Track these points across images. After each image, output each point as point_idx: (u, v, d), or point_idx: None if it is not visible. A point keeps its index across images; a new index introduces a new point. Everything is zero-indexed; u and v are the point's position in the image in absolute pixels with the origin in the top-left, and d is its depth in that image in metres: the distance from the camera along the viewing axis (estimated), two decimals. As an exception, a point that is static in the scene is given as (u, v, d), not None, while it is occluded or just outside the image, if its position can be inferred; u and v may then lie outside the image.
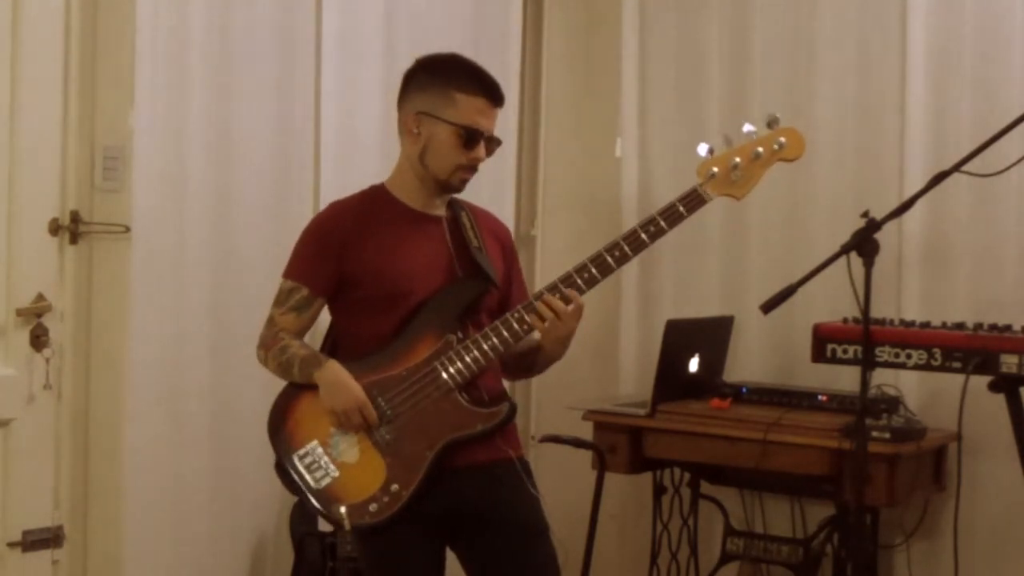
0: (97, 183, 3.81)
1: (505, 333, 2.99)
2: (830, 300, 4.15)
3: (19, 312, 3.69)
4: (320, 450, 3.05)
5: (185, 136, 3.95)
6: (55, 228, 3.75)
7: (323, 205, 4.30)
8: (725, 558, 4.48)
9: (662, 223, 2.98)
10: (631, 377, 4.82)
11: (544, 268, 4.97)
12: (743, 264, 4.66)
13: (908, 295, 4.31)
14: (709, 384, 4.44)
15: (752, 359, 4.65)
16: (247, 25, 4.10)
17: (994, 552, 4.20)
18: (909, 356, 3.83)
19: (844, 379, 4.22)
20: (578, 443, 4.37)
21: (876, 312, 3.57)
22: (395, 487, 2.99)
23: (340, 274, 3.05)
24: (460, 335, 3.02)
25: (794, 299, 3.24)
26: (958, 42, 4.28)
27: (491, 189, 4.54)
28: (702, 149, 3.02)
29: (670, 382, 4.35)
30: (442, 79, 3.04)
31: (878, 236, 3.22)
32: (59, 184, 3.76)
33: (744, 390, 4.38)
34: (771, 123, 3.03)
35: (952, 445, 4.05)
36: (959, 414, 3.61)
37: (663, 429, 4.32)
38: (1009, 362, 3.67)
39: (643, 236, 2.98)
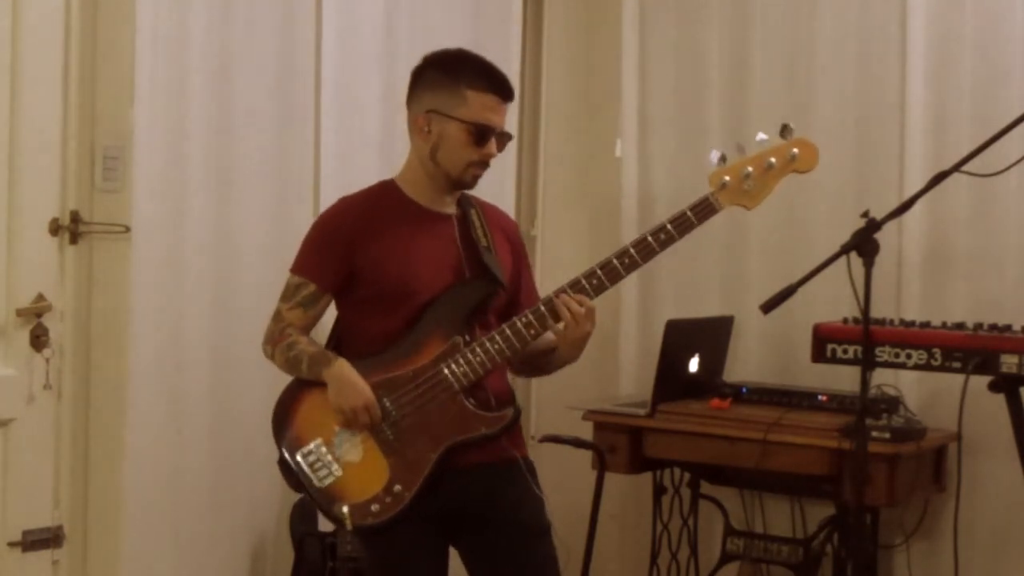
0: (97, 183, 3.81)
1: (513, 337, 2.98)
2: (830, 300, 4.15)
3: (19, 312, 3.69)
4: (324, 448, 3.04)
5: (185, 136, 3.95)
6: (55, 228, 3.75)
7: (323, 205, 4.31)
8: (725, 558, 4.48)
9: (672, 231, 2.97)
10: (631, 377, 4.82)
11: (544, 268, 4.97)
12: (743, 264, 4.66)
13: (908, 295, 4.31)
14: (709, 384, 4.44)
15: (752, 359, 4.65)
16: (247, 25, 4.10)
17: (994, 552, 4.20)
18: (909, 356, 3.83)
19: (844, 379, 4.22)
20: (578, 443, 4.37)
21: (876, 312, 3.57)
22: (398, 488, 2.98)
23: (348, 271, 3.04)
24: (467, 337, 3.01)
25: (794, 299, 3.23)
26: (958, 42, 4.29)
27: (491, 189, 4.49)
28: (714, 156, 3.02)
29: (670, 382, 4.35)
30: (451, 76, 3.02)
31: (878, 236, 3.21)
32: (59, 184, 3.76)
33: (744, 390, 4.38)
34: (784, 132, 2.99)
35: (952, 445, 4.05)
36: (959, 414, 3.60)
37: (663, 429, 4.32)
38: (1009, 362, 3.67)
39: (653, 243, 2.96)
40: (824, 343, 3.98)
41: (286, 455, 3.09)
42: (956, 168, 3.36)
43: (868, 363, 3.44)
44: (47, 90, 3.72)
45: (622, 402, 4.50)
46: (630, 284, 4.81)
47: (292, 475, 3.08)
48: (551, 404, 4.87)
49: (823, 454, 4.02)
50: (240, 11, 4.08)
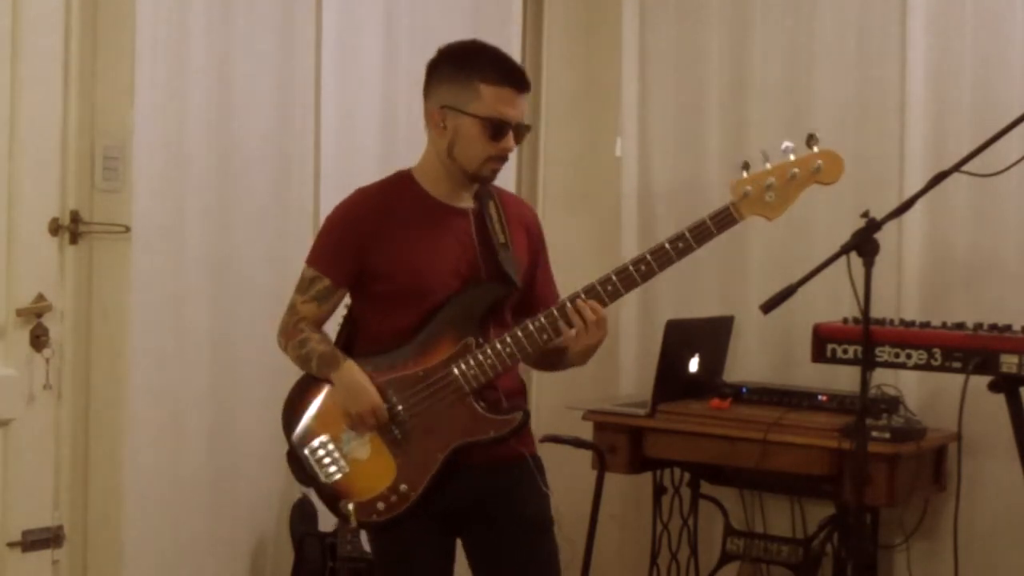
0: (97, 183, 3.81)
1: (524, 341, 2.96)
2: (830, 300, 4.15)
3: (19, 312, 3.69)
4: (332, 445, 3.04)
5: (185, 136, 3.95)
6: (55, 228, 3.75)
7: (323, 204, 4.34)
8: (725, 558, 4.48)
9: (690, 239, 2.92)
10: (631, 377, 4.82)
11: (544, 268, 4.97)
12: (743, 264, 4.66)
13: (908, 295, 4.31)
14: (709, 384, 4.44)
15: (752, 359, 4.65)
16: (247, 25, 4.11)
17: (994, 552, 4.20)
18: (909, 356, 3.83)
19: (844, 379, 4.22)
20: (578, 443, 4.37)
21: (876, 312, 3.57)
22: (404, 487, 2.98)
23: (362, 265, 3.01)
24: (480, 339, 2.99)
25: (794, 299, 3.23)
26: (958, 42, 4.29)
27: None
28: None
29: (670, 382, 4.35)
30: (465, 71, 2.99)
31: (878, 236, 3.21)
32: (59, 184, 3.76)
33: (744, 390, 4.38)
34: (809, 141, 2.93)
35: (952, 445, 4.05)
36: (959, 414, 3.60)
37: (663, 429, 4.32)
38: (1009, 362, 3.67)
39: (670, 251, 2.92)
40: (824, 343, 3.98)
41: (295, 448, 3.07)
42: (956, 168, 3.35)
43: (868, 363, 3.44)
44: (47, 90, 3.72)
45: (622, 402, 4.50)
46: (630, 283, 4.80)
47: (300, 468, 3.08)
48: (551, 404, 4.87)
49: (823, 454, 4.02)
50: (240, 11, 4.08)
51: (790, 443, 4.07)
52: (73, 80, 3.77)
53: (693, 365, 4.44)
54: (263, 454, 4.24)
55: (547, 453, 4.57)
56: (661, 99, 4.90)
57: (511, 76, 3.00)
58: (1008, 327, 3.83)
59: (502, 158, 3.02)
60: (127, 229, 3.78)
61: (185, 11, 3.93)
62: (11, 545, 3.70)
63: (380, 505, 2.99)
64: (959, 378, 3.68)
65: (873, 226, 3.22)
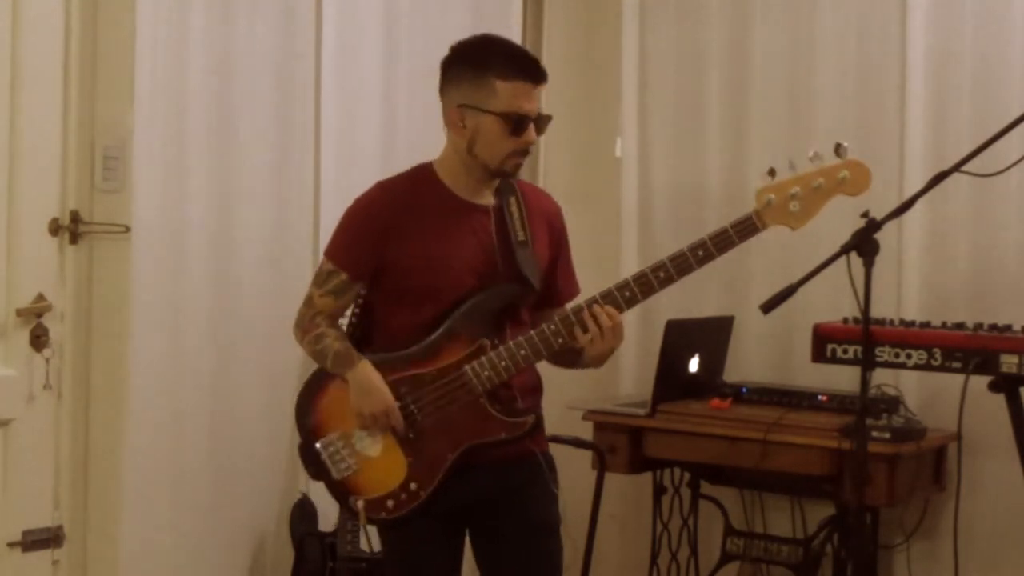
0: (97, 183, 3.81)
1: (540, 344, 2.95)
2: (830, 300, 4.15)
3: (19, 312, 3.69)
4: (343, 441, 3.04)
5: (185, 136, 3.95)
6: (55, 228, 3.75)
7: (323, 204, 4.35)
8: (725, 558, 4.48)
9: (711, 247, 2.90)
10: (631, 377, 4.82)
11: (544, 268, 4.96)
12: (743, 264, 4.65)
13: (908, 295, 4.31)
14: (709, 384, 4.44)
15: (752, 359, 4.65)
16: (247, 25, 4.11)
17: (994, 552, 4.20)
18: (909, 356, 3.83)
19: (844, 379, 4.22)
20: (578, 443, 4.37)
21: (876, 312, 3.57)
22: (414, 486, 2.99)
23: (380, 260, 3.00)
24: (495, 340, 2.98)
25: (794, 299, 3.23)
26: (958, 42, 4.28)
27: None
28: (765, 171, 2.92)
29: (670, 382, 4.35)
30: (478, 68, 2.96)
31: (878, 236, 3.21)
32: (59, 184, 3.76)
33: (744, 390, 4.38)
34: (838, 150, 2.89)
35: (952, 445, 4.05)
36: (959, 414, 3.61)
37: (663, 429, 4.31)
38: (1009, 362, 3.67)
39: (690, 258, 2.91)
40: (824, 343, 3.98)
41: (308, 443, 3.07)
42: (956, 168, 3.35)
43: (868, 363, 3.44)
44: (47, 90, 3.72)
45: (622, 402, 4.50)
46: (630, 284, 4.80)
47: (312, 463, 3.08)
48: (551, 404, 4.81)
49: (823, 454, 4.01)
50: (240, 11, 4.08)
51: (790, 443, 4.07)
52: (73, 80, 3.77)
53: (693, 365, 4.44)
54: (263, 454, 4.24)
55: (547, 453, 4.61)
56: (661, 99, 4.90)
57: (526, 69, 2.98)
58: (1008, 327, 3.83)
59: (524, 151, 2.99)
60: (127, 229, 3.78)
61: (185, 11, 3.92)
62: (11, 545, 3.70)
63: (390, 503, 3.00)
64: (959, 378, 3.68)
65: (873, 226, 3.22)
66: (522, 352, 2.95)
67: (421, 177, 3.06)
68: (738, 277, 4.67)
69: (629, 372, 4.84)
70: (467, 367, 2.96)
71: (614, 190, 4.93)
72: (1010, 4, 4.21)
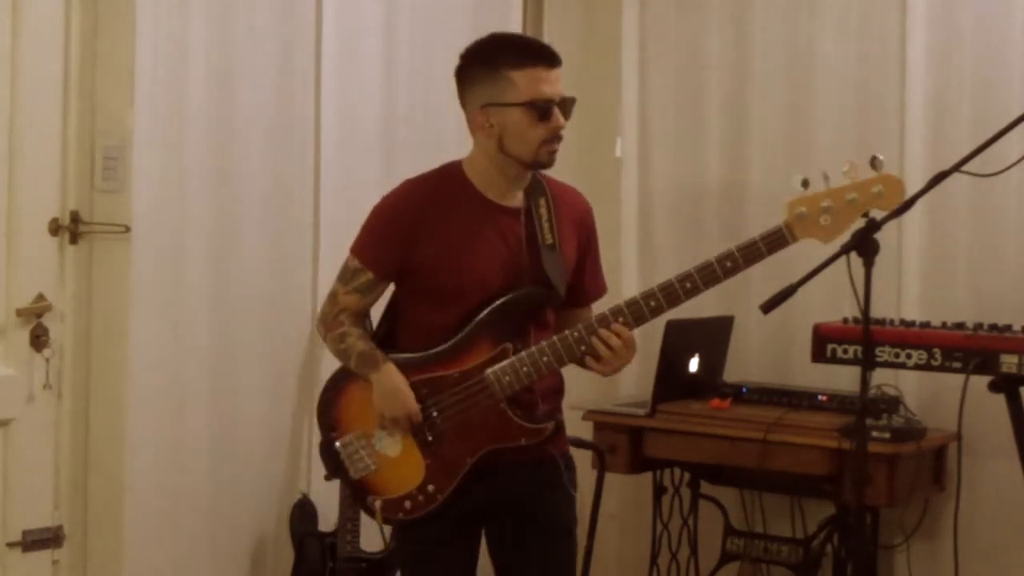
0: (97, 183, 3.81)
1: (562, 351, 2.93)
2: (830, 300, 4.15)
3: (19, 312, 3.69)
4: (363, 441, 3.04)
5: (185, 136, 3.95)
6: (55, 228, 3.75)
7: (323, 204, 4.35)
8: (725, 558, 4.48)
9: (739, 259, 2.88)
10: (631, 377, 4.80)
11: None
12: (743, 264, 4.65)
13: (908, 295, 4.31)
14: (709, 384, 4.44)
15: (752, 359, 4.65)
16: (247, 25, 4.10)
17: (994, 552, 4.20)
18: (909, 356, 3.83)
19: (844, 379, 4.22)
20: (578, 443, 4.35)
21: (876, 312, 3.56)
22: (431, 488, 2.98)
23: (406, 259, 2.98)
24: (518, 345, 2.96)
25: (794, 299, 3.22)
26: (958, 42, 4.29)
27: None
28: (796, 181, 2.89)
29: (670, 382, 4.35)
30: (492, 64, 2.95)
31: (878, 236, 3.20)
32: (59, 184, 3.76)
33: (744, 390, 4.38)
34: (873, 163, 2.86)
35: (952, 445, 4.05)
36: (959, 414, 3.61)
37: (663, 429, 4.31)
38: (1009, 362, 3.67)
39: (718, 270, 2.88)
40: (824, 343, 3.98)
41: (328, 441, 3.08)
42: (956, 168, 3.35)
43: (868, 363, 3.43)
44: (47, 90, 3.72)
45: (622, 402, 4.50)
46: (630, 283, 4.81)
47: (330, 462, 3.08)
48: (551, 404, 4.86)
49: (823, 454, 4.01)
50: (240, 11, 4.08)
51: (790, 443, 4.07)
52: (73, 80, 3.77)
53: (693, 365, 4.44)
54: (263, 454, 4.24)
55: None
56: (661, 99, 4.90)
57: (538, 54, 2.97)
58: (1008, 327, 3.83)
59: (556, 138, 2.97)
60: (127, 229, 3.78)
61: (185, 11, 3.92)
62: (11, 545, 3.70)
63: (407, 504, 2.99)
64: (959, 378, 3.68)
65: (873, 226, 3.21)
66: (544, 359, 2.94)
67: (450, 176, 3.04)
68: (738, 277, 4.64)
69: (629, 372, 4.79)
70: (489, 371, 2.95)
71: (614, 190, 4.93)
72: (1010, 4, 4.21)
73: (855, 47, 4.50)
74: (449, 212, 2.98)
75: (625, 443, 4.36)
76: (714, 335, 4.57)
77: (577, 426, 4.45)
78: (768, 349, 4.62)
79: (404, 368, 2.99)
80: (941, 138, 4.28)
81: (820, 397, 4.23)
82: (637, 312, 2.92)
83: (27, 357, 3.72)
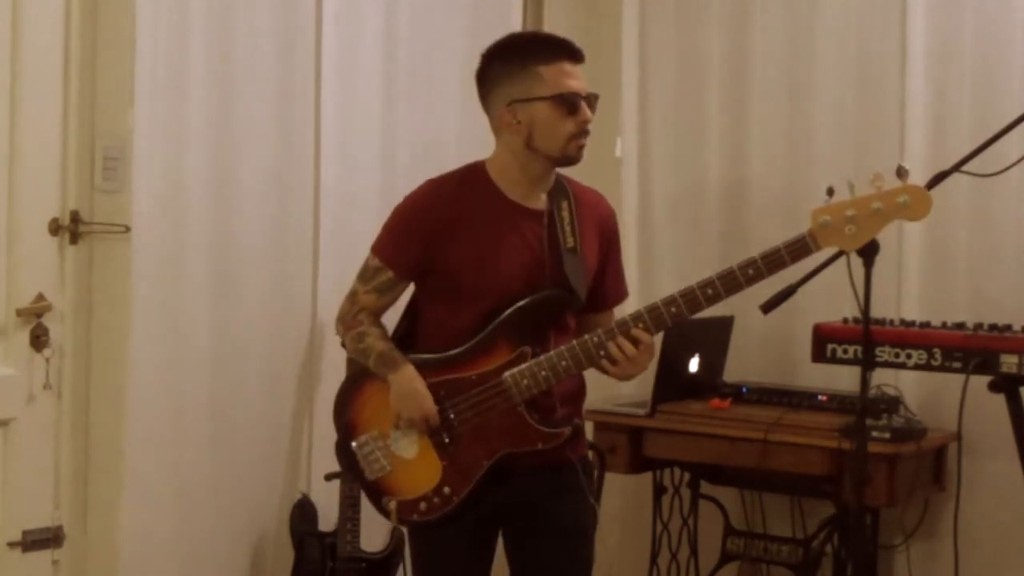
0: (97, 183, 3.81)
1: (581, 356, 2.92)
2: (830, 300, 4.15)
3: (19, 312, 3.69)
4: (379, 442, 3.03)
5: (185, 136, 3.95)
6: (55, 228, 3.75)
7: (323, 204, 4.35)
8: (725, 558, 4.48)
9: (762, 267, 2.86)
10: (631, 377, 4.82)
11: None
12: (743, 263, 4.65)
13: (908, 295, 4.32)
14: (709, 384, 4.44)
15: (752, 359, 4.65)
16: (247, 25, 4.10)
17: (994, 552, 4.20)
18: (909, 356, 3.83)
19: (844, 379, 4.22)
20: (578, 443, 4.37)
21: (876, 312, 3.56)
22: (447, 490, 2.98)
23: (427, 260, 2.98)
24: (537, 349, 2.95)
25: (794, 299, 3.23)
26: (958, 42, 4.29)
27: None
28: (823, 190, 2.89)
29: (670, 382, 4.35)
30: (516, 61, 2.95)
31: (878, 236, 3.20)
32: (59, 184, 3.76)
33: (744, 390, 4.38)
34: (900, 173, 2.84)
35: (952, 445, 4.05)
36: (959, 414, 3.61)
37: (663, 429, 4.32)
38: (1009, 362, 3.67)
39: (740, 277, 2.87)
40: (824, 343, 3.98)
41: (344, 441, 3.07)
42: (956, 168, 3.36)
43: (868, 363, 3.43)
44: (47, 90, 3.72)
45: (622, 402, 4.50)
46: (630, 283, 4.76)
47: (346, 462, 3.08)
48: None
49: (823, 454, 4.02)
50: (240, 11, 4.08)
51: (790, 443, 4.07)
52: (73, 80, 3.77)
53: (693, 365, 4.44)
54: (263, 454, 4.24)
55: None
56: (661, 99, 4.90)
57: (563, 49, 2.97)
58: (1008, 327, 3.83)
59: (584, 132, 2.96)
60: (127, 229, 3.78)
61: (185, 11, 3.92)
62: (11, 545, 3.70)
63: (422, 505, 2.99)
64: (959, 378, 3.68)
65: (873, 226, 3.21)
66: (563, 363, 2.93)
67: (473, 176, 3.03)
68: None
69: (629, 372, 4.84)
70: (507, 374, 2.94)
71: (614, 190, 4.92)
72: (1010, 4, 4.21)
73: (855, 47, 4.50)
74: (471, 213, 2.97)
75: (625, 443, 4.37)
76: (714, 335, 4.57)
77: (577, 426, 4.47)
78: (768, 349, 4.62)
79: (422, 369, 2.98)
80: (941, 138, 4.28)
81: (820, 397, 4.24)
82: (657, 318, 2.91)
83: (27, 357, 3.71)
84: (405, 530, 3.08)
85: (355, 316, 3.05)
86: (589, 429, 4.45)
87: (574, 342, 2.94)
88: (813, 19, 4.58)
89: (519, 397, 2.94)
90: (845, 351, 3.94)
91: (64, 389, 3.80)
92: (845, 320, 4.06)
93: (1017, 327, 3.84)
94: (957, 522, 3.82)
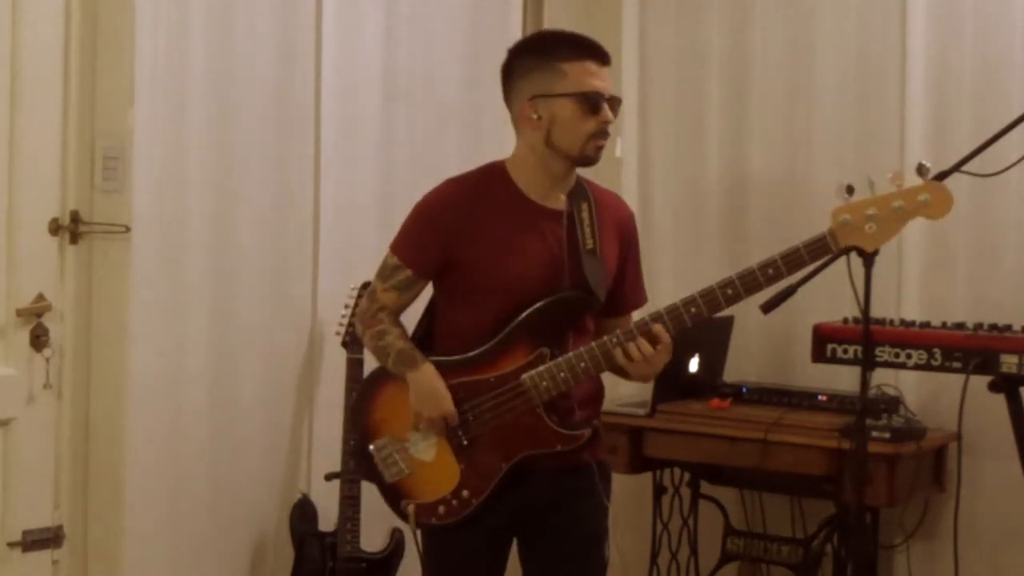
0: (97, 183, 3.81)
1: (601, 358, 2.90)
2: (830, 300, 4.15)
3: (19, 312, 3.69)
4: (397, 444, 3.01)
5: (185, 136, 3.95)
6: (55, 228, 3.75)
7: (323, 204, 4.35)
8: (725, 558, 4.48)
9: (782, 266, 2.86)
10: (631, 377, 4.81)
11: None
12: (743, 264, 4.60)
13: (908, 295, 4.32)
14: (709, 384, 4.44)
15: (752, 359, 4.65)
16: (247, 25, 4.10)
17: (994, 552, 4.20)
18: (909, 356, 3.83)
19: (844, 379, 4.22)
20: (578, 443, 4.36)
21: (876, 312, 3.56)
22: (465, 493, 2.96)
23: (446, 258, 2.96)
24: (555, 350, 2.93)
25: (794, 299, 3.23)
26: (958, 42, 4.29)
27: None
28: (841, 188, 2.87)
29: (670, 382, 4.34)
30: (543, 56, 2.93)
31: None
32: (59, 184, 3.76)
33: (744, 390, 4.38)
34: (921, 170, 2.84)
35: (952, 445, 4.06)
36: (959, 414, 3.61)
37: (663, 429, 4.32)
38: (1009, 362, 3.67)
39: (759, 277, 2.86)
40: (824, 343, 3.98)
41: (362, 444, 3.06)
42: (956, 168, 3.35)
43: (868, 363, 3.43)
44: (47, 90, 3.72)
45: (622, 402, 4.49)
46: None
47: (365, 465, 3.06)
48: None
49: (823, 454, 4.02)
50: (240, 11, 4.08)
51: (790, 443, 4.07)
52: (73, 80, 3.77)
53: (693, 365, 4.44)
54: (263, 454, 4.24)
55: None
56: (661, 99, 4.90)
57: (590, 49, 2.96)
58: (1008, 327, 3.83)
59: (604, 133, 2.95)
60: (127, 229, 3.78)
61: (185, 11, 3.92)
62: (11, 545, 3.70)
63: (441, 508, 2.97)
64: (959, 378, 3.68)
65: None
66: (582, 365, 2.91)
67: (492, 176, 3.01)
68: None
69: (629, 372, 4.84)
70: (525, 376, 2.92)
71: (614, 190, 4.91)
72: (1010, 5, 4.21)
73: (855, 47, 4.50)
74: (490, 212, 2.96)
75: (625, 443, 4.37)
76: (714, 335, 4.57)
77: (577, 426, 4.46)
78: (768, 349, 4.62)
79: (440, 370, 2.96)
80: (941, 138, 4.28)
81: (820, 397, 4.24)
82: (677, 318, 2.90)
83: (27, 357, 3.71)
84: (413, 531, 3.04)
85: (375, 314, 3.03)
86: (589, 429, 4.46)
87: (593, 344, 2.92)
88: (813, 19, 4.58)
89: (538, 399, 2.92)
90: (845, 351, 3.94)
91: (64, 389, 3.80)
92: (845, 320, 4.06)
93: (1017, 327, 3.84)
94: (957, 522, 3.82)
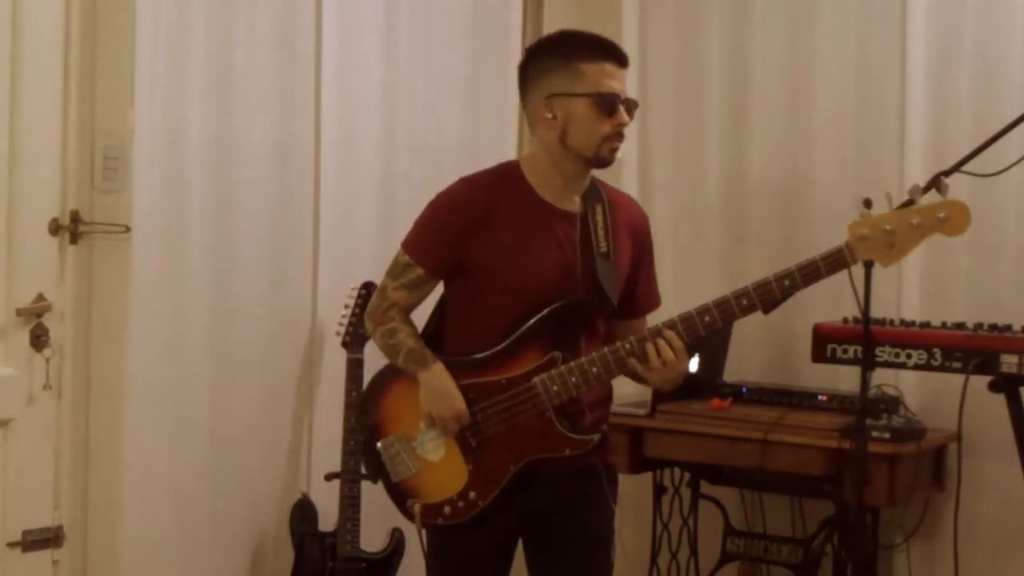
0: (97, 183, 3.81)
1: (613, 364, 2.90)
2: (830, 300, 4.15)
3: (19, 312, 3.69)
4: (405, 443, 3.00)
5: (185, 136, 3.95)
6: (55, 228, 3.75)
7: (323, 204, 4.35)
8: (725, 558, 4.48)
9: (798, 278, 2.84)
10: (631, 377, 4.82)
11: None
12: (743, 263, 4.66)
13: (908, 295, 4.31)
14: (709, 384, 4.43)
15: (752, 359, 4.65)
16: (247, 25, 4.10)
17: (994, 552, 4.20)
18: (909, 356, 3.83)
19: (844, 379, 4.22)
20: (578, 443, 4.36)
21: (876, 312, 3.57)
22: (473, 495, 2.95)
23: (458, 259, 2.95)
24: (567, 354, 2.92)
25: (794, 299, 3.22)
26: (958, 42, 4.29)
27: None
28: (859, 201, 2.85)
29: (670, 382, 4.34)
30: (561, 56, 2.93)
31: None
32: (59, 184, 3.76)
33: (744, 390, 4.38)
34: (939, 187, 2.83)
35: (952, 445, 4.05)
36: (959, 414, 3.61)
37: (663, 429, 4.31)
38: (1009, 362, 3.67)
39: (775, 288, 2.85)
40: (824, 343, 3.98)
41: (369, 441, 3.05)
42: (956, 168, 3.36)
43: (868, 363, 3.43)
44: (47, 90, 3.72)
45: (622, 402, 4.47)
46: (630, 284, 4.81)
47: (371, 463, 3.06)
48: (551, 404, 4.85)
49: (823, 454, 4.01)
50: (240, 11, 4.08)
51: (790, 443, 4.07)
52: (73, 80, 3.77)
53: (693, 365, 4.43)
54: (263, 454, 4.24)
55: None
56: (661, 99, 4.90)
57: (609, 51, 2.95)
58: (1008, 327, 3.83)
59: (619, 135, 2.95)
60: (127, 229, 3.78)
61: (185, 11, 3.92)
62: (11, 545, 3.70)
63: (447, 509, 2.96)
64: (959, 378, 3.68)
65: (873, 226, 3.21)
66: (594, 370, 2.90)
67: (507, 175, 3.00)
68: (738, 276, 4.66)
69: (629, 372, 4.84)
70: (536, 380, 2.91)
71: (615, 190, 4.92)
72: (1010, 4, 4.21)
73: (855, 47, 4.49)
74: (505, 212, 2.94)
75: (625, 443, 4.36)
76: (714, 335, 4.54)
77: (577, 426, 4.46)
78: (768, 349, 4.62)
79: (450, 370, 2.95)
80: (941, 138, 4.28)
81: (820, 397, 4.23)
82: (691, 327, 2.90)
83: (27, 357, 3.71)
84: (418, 531, 3.03)
85: (385, 312, 3.02)
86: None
87: (606, 349, 2.91)
88: (813, 20, 4.58)
89: (548, 403, 2.91)
90: (845, 351, 3.94)
91: (64, 389, 3.80)
92: (845, 320, 4.06)
93: (1017, 327, 3.84)
94: (957, 522, 3.82)
